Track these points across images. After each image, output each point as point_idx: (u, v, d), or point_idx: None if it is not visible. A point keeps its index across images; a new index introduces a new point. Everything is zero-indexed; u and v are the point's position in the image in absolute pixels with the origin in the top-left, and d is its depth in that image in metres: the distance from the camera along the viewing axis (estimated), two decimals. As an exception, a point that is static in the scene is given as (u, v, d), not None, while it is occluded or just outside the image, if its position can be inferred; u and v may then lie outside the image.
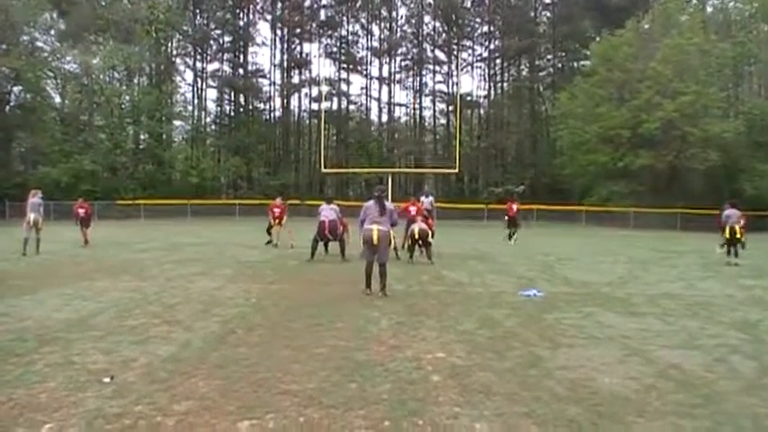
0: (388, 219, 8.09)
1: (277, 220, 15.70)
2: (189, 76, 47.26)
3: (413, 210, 13.84)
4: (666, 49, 30.10)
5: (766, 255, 16.55)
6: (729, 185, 30.63)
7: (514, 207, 19.28)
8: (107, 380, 4.15)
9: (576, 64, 45.40)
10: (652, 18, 34.23)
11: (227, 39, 47.96)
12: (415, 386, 4.15)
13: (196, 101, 47.27)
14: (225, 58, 48.10)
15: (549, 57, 49.51)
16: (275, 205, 15.92)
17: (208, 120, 48.97)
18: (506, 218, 19.52)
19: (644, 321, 6.61)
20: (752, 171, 29.67)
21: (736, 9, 38.07)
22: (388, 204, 8.28)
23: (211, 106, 48.90)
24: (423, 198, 19.93)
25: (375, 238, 7.85)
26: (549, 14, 49.77)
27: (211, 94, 48.79)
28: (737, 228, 12.95)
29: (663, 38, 30.99)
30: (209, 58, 47.47)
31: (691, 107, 28.92)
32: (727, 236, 12.99)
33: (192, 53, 46.67)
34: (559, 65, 48.77)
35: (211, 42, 47.21)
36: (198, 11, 46.51)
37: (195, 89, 47.19)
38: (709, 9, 39.10)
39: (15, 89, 34.82)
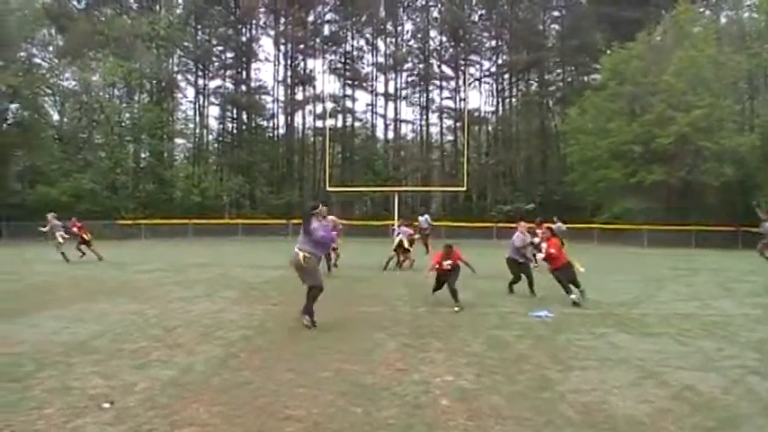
0: (309, 238, 7.21)
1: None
2: (190, 92, 46.68)
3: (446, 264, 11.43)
4: (679, 62, 29.78)
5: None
6: (744, 200, 30.21)
7: None
8: (106, 405, 4.11)
9: (585, 78, 45.04)
10: (664, 30, 33.93)
11: (229, 55, 47.49)
12: (423, 410, 4.08)
13: (198, 118, 46.57)
14: (227, 74, 47.47)
15: (558, 71, 49.15)
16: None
17: (210, 137, 48.25)
18: None
19: (658, 342, 6.46)
20: (767, 185, 29.26)
21: (751, 20, 37.63)
22: (316, 222, 7.34)
23: (213, 124, 48.21)
24: (420, 218, 20.74)
25: (294, 262, 7.28)
26: (557, 28, 49.54)
27: (213, 111, 48.08)
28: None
29: (675, 50, 30.64)
30: (211, 74, 46.96)
31: (705, 121, 28.46)
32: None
33: (194, 69, 46.17)
34: (569, 79, 48.29)
35: (213, 59, 46.74)
36: (199, 27, 46.12)
37: (197, 106, 46.52)
38: (723, 20, 38.61)
39: (13, 106, 34.01)
